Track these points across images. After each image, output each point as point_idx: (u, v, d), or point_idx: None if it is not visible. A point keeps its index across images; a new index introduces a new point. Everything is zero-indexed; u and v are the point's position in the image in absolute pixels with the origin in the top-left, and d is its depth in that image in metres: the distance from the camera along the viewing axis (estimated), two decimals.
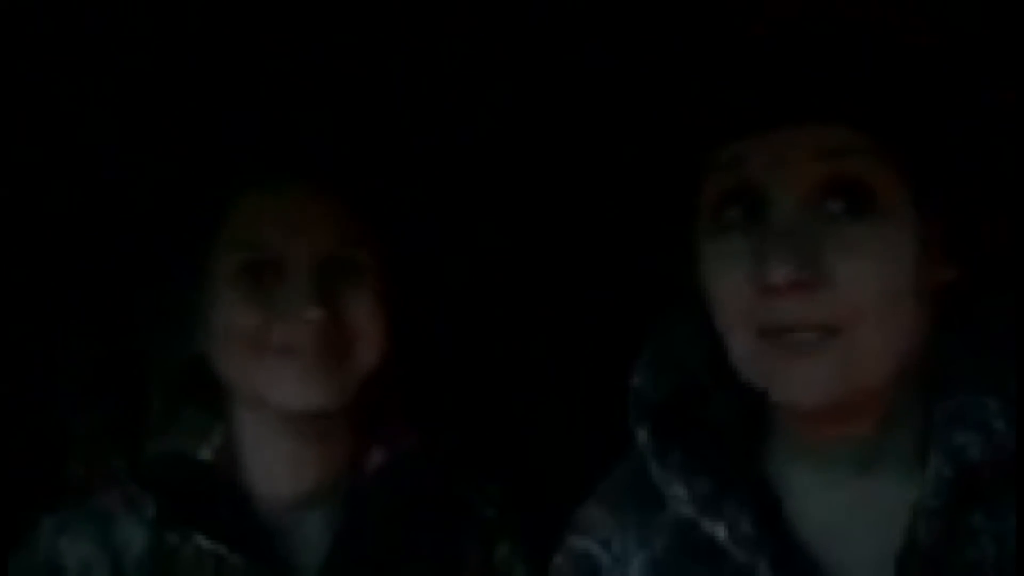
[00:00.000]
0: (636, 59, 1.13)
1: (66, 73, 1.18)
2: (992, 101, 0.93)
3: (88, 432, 1.19)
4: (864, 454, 0.91)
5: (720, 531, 0.91)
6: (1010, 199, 0.93)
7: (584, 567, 1.02)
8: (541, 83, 1.23)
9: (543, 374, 1.40)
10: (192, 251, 1.13)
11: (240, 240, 1.12)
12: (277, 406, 1.12)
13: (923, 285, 0.87)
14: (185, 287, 1.14)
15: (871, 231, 0.85)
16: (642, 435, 0.96)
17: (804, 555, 0.91)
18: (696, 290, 0.93)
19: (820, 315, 0.85)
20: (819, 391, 0.86)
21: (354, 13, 1.13)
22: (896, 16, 0.92)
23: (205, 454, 1.15)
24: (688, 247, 0.94)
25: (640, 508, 0.99)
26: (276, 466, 1.15)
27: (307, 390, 1.10)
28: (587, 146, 1.28)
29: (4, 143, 1.24)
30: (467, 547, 1.19)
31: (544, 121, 1.29)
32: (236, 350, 1.11)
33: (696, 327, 0.96)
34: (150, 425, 1.17)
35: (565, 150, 1.31)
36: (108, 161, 1.22)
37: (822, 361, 0.86)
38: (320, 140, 1.15)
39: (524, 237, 1.38)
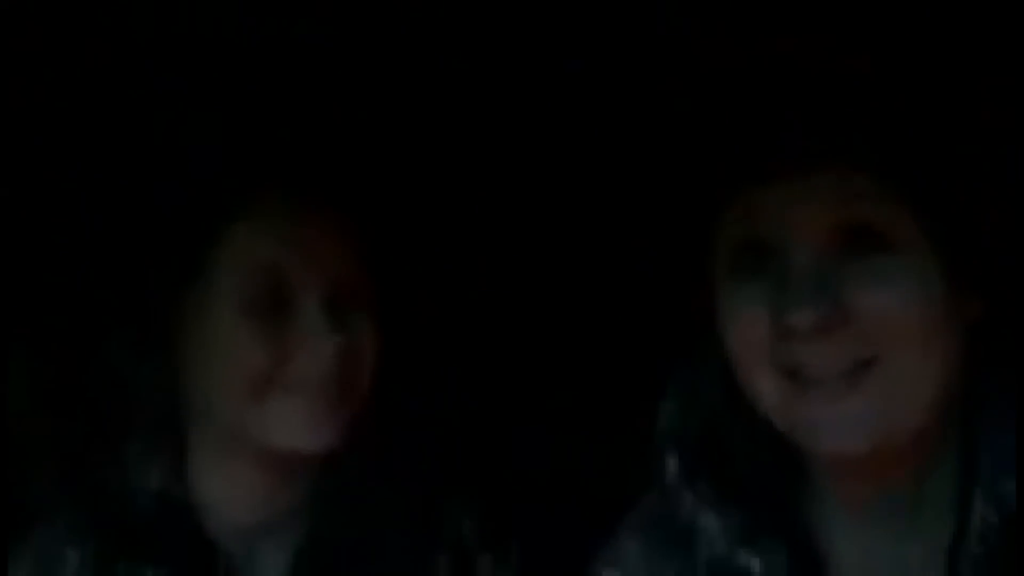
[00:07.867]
0: (648, 110, 1.13)
1: (49, 82, 1.10)
2: (996, 132, 0.95)
3: (39, 456, 1.11)
4: (901, 504, 0.92)
5: (755, 564, 0.92)
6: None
7: None
8: (555, 129, 1.22)
9: (535, 389, 1.38)
10: (181, 277, 1.06)
11: (244, 270, 1.05)
12: (280, 446, 1.07)
13: (951, 320, 0.88)
14: (167, 314, 1.07)
15: (889, 267, 0.86)
16: (671, 464, 0.96)
17: None
18: (716, 332, 0.93)
19: (845, 354, 0.86)
20: (852, 439, 0.87)
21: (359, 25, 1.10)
22: (895, 60, 0.93)
23: (151, 481, 1.09)
24: (706, 288, 0.93)
25: (671, 545, 0.98)
26: (236, 492, 1.10)
27: (317, 430, 1.06)
28: (606, 189, 1.27)
29: None
30: (437, 560, 1.13)
31: (559, 166, 1.28)
32: (237, 389, 1.05)
33: (717, 370, 0.95)
34: (102, 451, 1.10)
35: (585, 194, 1.30)
36: (92, 172, 1.13)
37: (853, 407, 0.86)
38: (318, 154, 1.10)
39: (529, 260, 1.36)
